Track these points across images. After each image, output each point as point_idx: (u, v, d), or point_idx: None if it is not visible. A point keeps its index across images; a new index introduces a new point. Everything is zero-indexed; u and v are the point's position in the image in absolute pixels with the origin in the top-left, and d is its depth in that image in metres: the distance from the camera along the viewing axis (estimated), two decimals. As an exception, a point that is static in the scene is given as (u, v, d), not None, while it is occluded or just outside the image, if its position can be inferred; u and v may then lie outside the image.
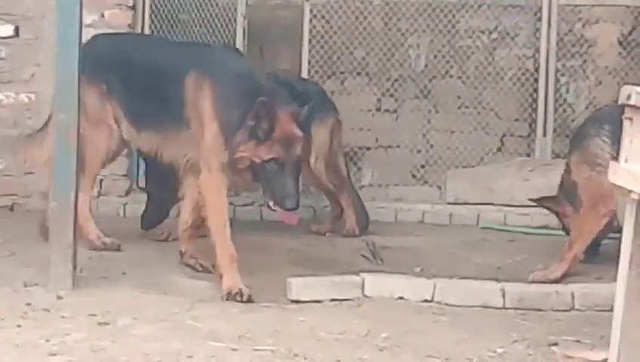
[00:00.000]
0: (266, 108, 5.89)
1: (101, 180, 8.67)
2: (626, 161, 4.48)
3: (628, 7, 9.17)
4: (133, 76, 6.82)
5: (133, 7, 8.84)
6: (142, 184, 8.83)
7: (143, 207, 8.32)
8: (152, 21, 8.92)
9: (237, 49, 8.00)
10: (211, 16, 8.86)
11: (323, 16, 8.95)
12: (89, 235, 6.97)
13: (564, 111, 9.37)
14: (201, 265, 6.66)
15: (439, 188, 9.25)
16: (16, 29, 8.77)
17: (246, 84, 6.28)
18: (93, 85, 6.83)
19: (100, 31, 8.53)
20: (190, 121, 6.44)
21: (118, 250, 7.05)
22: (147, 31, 8.88)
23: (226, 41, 8.74)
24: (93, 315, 5.44)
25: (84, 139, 6.41)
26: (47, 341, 4.99)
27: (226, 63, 6.58)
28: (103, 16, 8.66)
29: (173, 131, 6.61)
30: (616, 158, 4.40)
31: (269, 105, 5.91)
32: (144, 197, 8.74)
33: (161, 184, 7.60)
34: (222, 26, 8.81)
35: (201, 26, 8.84)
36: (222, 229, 6.24)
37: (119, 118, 7.03)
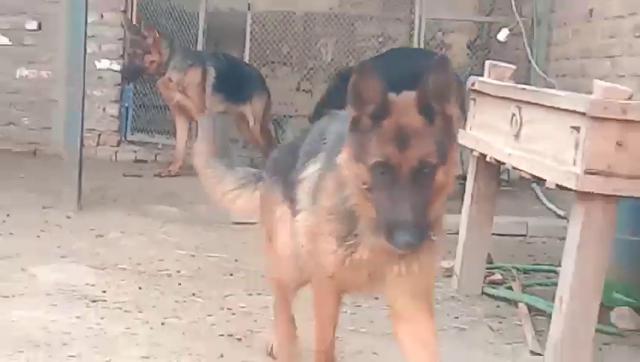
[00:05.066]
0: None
1: (99, 135, 8.62)
2: (470, 129, 4.53)
3: (474, 22, 9.25)
4: None
5: (125, 11, 8.72)
6: (130, 137, 8.79)
7: (131, 154, 8.28)
8: (139, 19, 8.79)
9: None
10: (182, 20, 8.77)
11: (260, 22, 8.90)
12: None
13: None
14: None
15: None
16: (39, 24, 8.63)
17: None
18: None
19: (101, 28, 8.45)
20: None
21: None
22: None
23: (191, 37, 8.66)
24: (92, 230, 5.43)
25: None
26: (59, 247, 4.98)
27: None
28: (102, 16, 8.56)
29: None
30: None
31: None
32: (132, 146, 8.73)
33: None
34: (189, 28, 8.73)
35: (174, 27, 8.73)
36: None
37: None
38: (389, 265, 2.49)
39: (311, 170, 2.63)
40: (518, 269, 4.99)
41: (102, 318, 3.80)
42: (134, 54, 7.71)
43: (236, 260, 4.96)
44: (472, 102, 4.51)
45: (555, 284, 3.63)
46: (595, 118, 3.31)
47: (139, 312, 3.92)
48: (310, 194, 2.61)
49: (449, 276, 4.68)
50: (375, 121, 2.30)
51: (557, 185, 3.52)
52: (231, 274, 4.68)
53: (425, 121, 2.28)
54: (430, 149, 2.25)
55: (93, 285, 4.27)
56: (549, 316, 3.68)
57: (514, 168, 3.87)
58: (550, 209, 6.87)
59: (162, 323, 3.79)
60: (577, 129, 3.37)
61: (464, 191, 4.57)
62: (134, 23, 8.33)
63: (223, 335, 3.70)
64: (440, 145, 2.27)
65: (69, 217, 5.71)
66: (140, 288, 4.30)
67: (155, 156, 8.65)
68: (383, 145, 2.26)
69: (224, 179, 3.19)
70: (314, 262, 2.64)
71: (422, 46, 8.73)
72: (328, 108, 7.30)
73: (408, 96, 2.31)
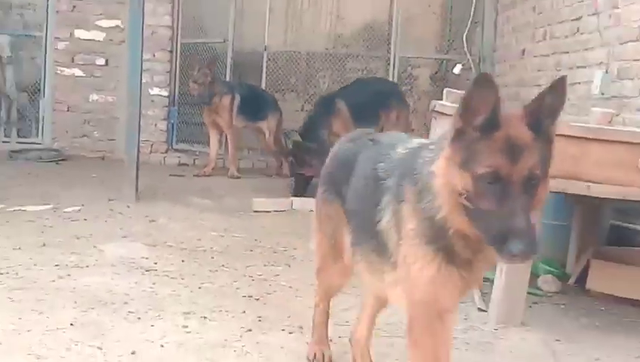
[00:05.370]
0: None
1: (151, 144, 8.59)
2: (432, 140, 4.48)
3: (435, 59, 9.22)
4: None
5: (171, 51, 8.70)
6: (175, 146, 8.75)
7: (176, 159, 8.23)
8: (181, 57, 8.76)
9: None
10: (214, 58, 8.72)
11: (273, 59, 8.86)
12: None
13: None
14: None
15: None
16: (106, 61, 8.60)
17: None
18: None
19: (154, 64, 8.41)
20: None
21: None
22: (177, 64, 8.71)
23: (220, 71, 8.60)
24: (147, 216, 5.40)
25: None
26: (121, 229, 4.96)
27: None
28: (154, 55, 8.52)
29: None
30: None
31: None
32: (176, 153, 8.68)
33: None
34: (219, 63, 8.68)
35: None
36: None
37: None
38: (475, 277, 1.99)
39: (387, 217, 2.08)
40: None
41: (154, 283, 3.78)
42: (208, 82, 7.65)
43: (255, 239, 4.94)
44: (433, 119, 4.48)
45: (497, 258, 3.61)
46: (526, 132, 3.29)
47: (182, 279, 3.91)
48: (394, 231, 2.05)
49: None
50: (483, 132, 1.81)
51: (498, 183, 3.50)
52: (251, 250, 4.67)
53: (533, 135, 1.83)
54: (537, 162, 1.81)
55: (147, 258, 4.26)
56: (492, 282, 3.66)
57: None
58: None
59: (199, 287, 3.78)
60: (513, 140, 3.35)
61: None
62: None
63: (245, 296, 3.68)
64: (543, 160, 1.84)
65: (128, 207, 5.68)
66: (182, 260, 4.28)
67: (194, 160, 8.61)
68: (494, 156, 1.79)
69: None
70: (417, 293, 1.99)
71: (396, 78, 8.74)
72: (314, 120, 7.02)
73: (516, 111, 1.86)
